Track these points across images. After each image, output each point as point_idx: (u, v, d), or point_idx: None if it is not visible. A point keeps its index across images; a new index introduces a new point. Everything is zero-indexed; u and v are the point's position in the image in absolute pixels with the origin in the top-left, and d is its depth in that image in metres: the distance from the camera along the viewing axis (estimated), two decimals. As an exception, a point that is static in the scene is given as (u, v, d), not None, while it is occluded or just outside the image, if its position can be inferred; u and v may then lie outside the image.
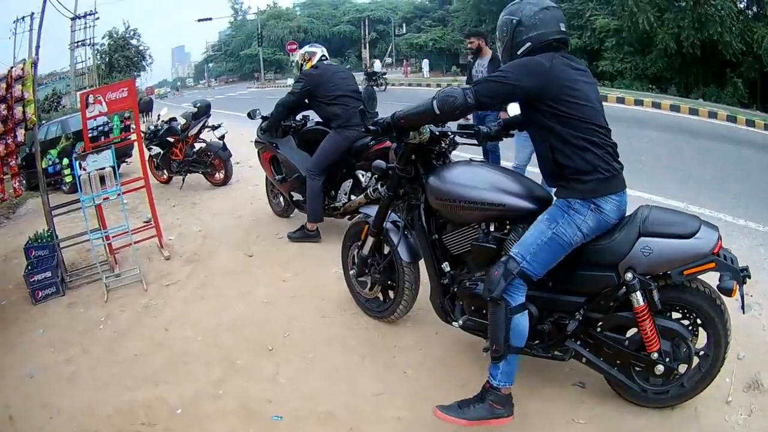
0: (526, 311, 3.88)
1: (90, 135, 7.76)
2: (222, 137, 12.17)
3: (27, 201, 13.58)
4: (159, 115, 13.44)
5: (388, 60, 76.69)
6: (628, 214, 3.90)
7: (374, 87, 5.24)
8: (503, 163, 8.89)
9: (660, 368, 3.83)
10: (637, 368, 3.97)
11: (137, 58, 62.00)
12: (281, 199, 9.52)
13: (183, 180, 12.62)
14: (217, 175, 12.54)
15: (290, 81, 56.97)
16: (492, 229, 4.25)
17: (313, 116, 8.54)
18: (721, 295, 3.69)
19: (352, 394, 4.83)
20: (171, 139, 12.39)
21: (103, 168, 7.41)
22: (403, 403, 4.63)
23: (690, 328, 3.93)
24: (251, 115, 9.21)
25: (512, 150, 8.59)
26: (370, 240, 5.47)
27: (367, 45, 79.81)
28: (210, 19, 75.33)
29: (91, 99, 7.70)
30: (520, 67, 3.75)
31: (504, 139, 5.06)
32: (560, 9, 3.98)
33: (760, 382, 4.37)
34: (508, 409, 3.88)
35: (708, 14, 30.23)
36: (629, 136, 14.67)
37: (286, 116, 8.37)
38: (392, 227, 5.29)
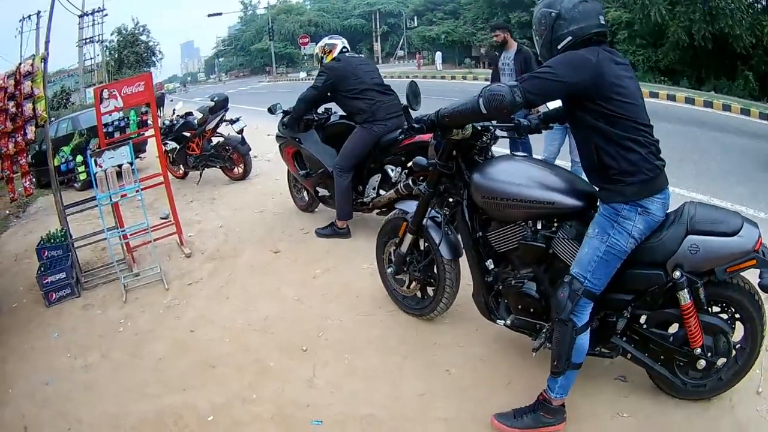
0: (589, 328, 3.85)
1: (105, 131, 7.50)
2: (241, 131, 11.83)
3: (37, 199, 13.33)
4: (174, 110, 13.17)
5: (400, 53, 76.82)
6: (671, 209, 3.84)
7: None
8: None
9: (702, 363, 3.85)
10: (680, 363, 3.96)
11: (147, 54, 61.91)
12: (305, 193, 9.25)
13: (200, 175, 12.27)
14: (235, 169, 12.24)
15: (302, 75, 56.98)
16: (539, 226, 4.14)
17: (336, 109, 8.30)
18: (759, 290, 3.70)
19: (394, 395, 4.63)
20: (187, 134, 12.11)
21: (121, 165, 7.09)
22: (448, 403, 4.45)
23: (728, 322, 3.92)
24: (272, 110, 8.90)
25: (540, 141, 8.40)
26: (409, 237, 5.27)
27: (379, 38, 79.89)
28: (220, 14, 76.06)
29: (105, 94, 7.38)
30: (566, 62, 3.57)
31: (543, 131, 4.79)
32: (599, 0, 3.83)
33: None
34: (558, 418, 3.95)
35: (718, 7, 30.09)
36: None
37: (308, 111, 8.05)
38: (432, 224, 5.10)
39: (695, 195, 8.80)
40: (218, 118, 11.86)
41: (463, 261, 4.86)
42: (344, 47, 7.91)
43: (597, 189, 3.85)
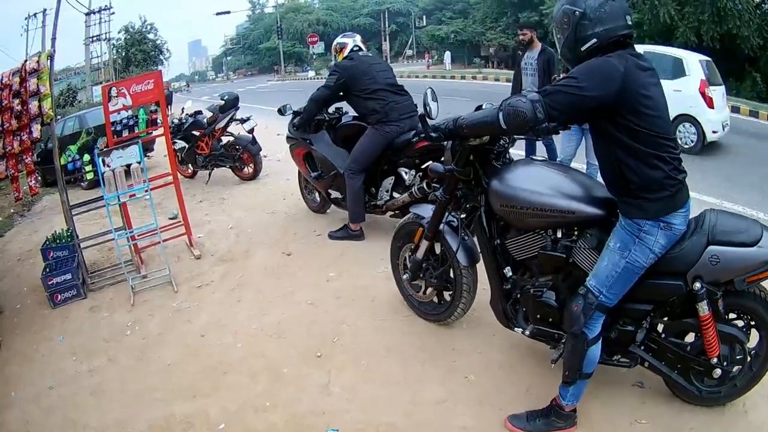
0: (601, 339, 3.82)
1: (113, 129, 7.38)
2: (251, 130, 11.76)
3: (43, 198, 13.26)
4: (183, 108, 13.09)
5: (409, 52, 76.93)
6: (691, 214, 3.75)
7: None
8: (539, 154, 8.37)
9: (718, 372, 3.82)
10: (696, 371, 3.94)
11: (154, 52, 62.04)
12: (317, 194, 9.14)
13: (209, 175, 12.17)
14: (245, 169, 12.14)
15: (311, 73, 57.00)
16: (559, 235, 4.06)
17: (347, 108, 8.19)
18: None
19: (413, 402, 4.52)
20: (196, 133, 12.02)
21: (129, 164, 6.96)
22: (468, 410, 4.36)
23: (744, 329, 3.89)
24: (282, 111, 8.66)
25: (556, 142, 8.35)
26: (425, 244, 5.17)
27: (387, 37, 79.90)
28: (228, 12, 75.81)
29: (113, 92, 7.26)
30: (593, 73, 3.36)
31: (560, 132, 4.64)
32: None
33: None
34: (569, 422, 3.96)
35: (726, 8, 29.97)
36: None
37: (320, 111, 7.97)
38: (449, 230, 5.01)
39: (707, 198, 8.76)
40: (228, 117, 11.77)
41: (480, 266, 4.75)
42: (356, 46, 7.79)
43: (617, 201, 3.71)
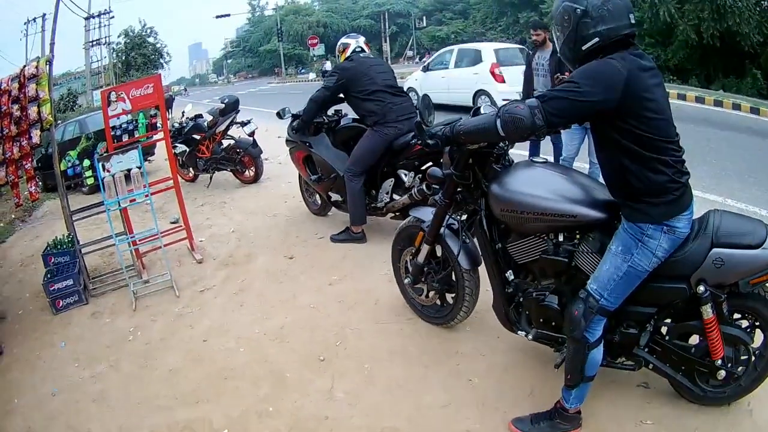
0: (602, 342, 3.78)
1: (113, 134, 7.34)
2: (252, 133, 11.74)
3: (44, 203, 13.21)
4: (183, 112, 13.10)
5: (409, 53, 76.89)
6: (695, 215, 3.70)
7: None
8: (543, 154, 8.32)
9: (722, 373, 3.80)
10: (701, 373, 3.93)
11: (155, 56, 62.17)
12: (317, 197, 9.14)
13: (210, 178, 12.18)
14: (246, 172, 12.13)
15: (312, 75, 57.01)
16: (561, 239, 4.03)
17: (347, 110, 8.18)
18: None
19: (417, 406, 4.49)
20: (197, 137, 11.99)
21: (130, 169, 6.92)
22: (472, 413, 4.34)
23: (748, 330, 3.88)
24: (281, 115, 8.67)
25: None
26: (426, 248, 5.14)
27: (388, 39, 79.77)
28: (228, 15, 76.15)
29: (113, 96, 7.24)
30: (595, 77, 3.26)
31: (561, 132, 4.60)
32: None
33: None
34: (573, 424, 3.95)
35: (726, 5, 29.96)
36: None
37: (319, 112, 7.98)
38: (450, 233, 4.98)
39: (711, 196, 8.70)
40: (229, 120, 11.78)
41: (482, 268, 4.72)
42: (358, 47, 7.78)
43: (620, 205, 3.67)
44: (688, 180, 3.49)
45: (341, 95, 7.65)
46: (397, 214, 7.54)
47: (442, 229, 4.92)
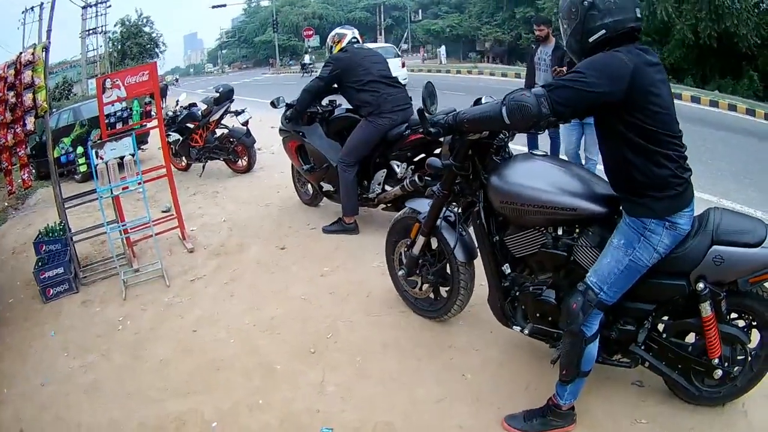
0: (598, 337, 3.78)
1: (107, 122, 7.28)
2: (246, 123, 11.74)
3: (37, 191, 13.17)
4: (178, 101, 13.06)
5: (404, 46, 76.89)
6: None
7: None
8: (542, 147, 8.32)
9: (719, 373, 3.80)
10: (697, 372, 3.94)
11: (150, 45, 61.88)
12: (309, 187, 9.15)
13: (203, 167, 12.15)
14: (239, 162, 12.10)
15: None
16: (560, 232, 3.99)
17: (341, 101, 8.16)
18: None
19: (410, 400, 4.47)
20: (191, 125, 11.96)
21: (123, 156, 6.89)
22: (466, 408, 4.31)
23: (745, 330, 3.89)
24: (275, 104, 8.68)
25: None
26: (422, 240, 5.09)
27: (383, 31, 79.66)
28: (224, 5, 75.75)
29: (108, 83, 7.17)
30: (601, 68, 3.26)
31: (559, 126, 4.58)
32: None
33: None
34: (567, 420, 3.95)
35: (724, 6, 30.05)
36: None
37: (312, 102, 7.94)
38: (446, 226, 4.95)
39: (705, 196, 8.66)
40: (223, 110, 11.74)
41: (478, 262, 4.69)
42: (354, 38, 7.75)
43: (621, 199, 3.68)
44: (690, 177, 3.50)
45: (335, 86, 7.59)
46: (389, 205, 7.56)
47: (438, 221, 4.88)
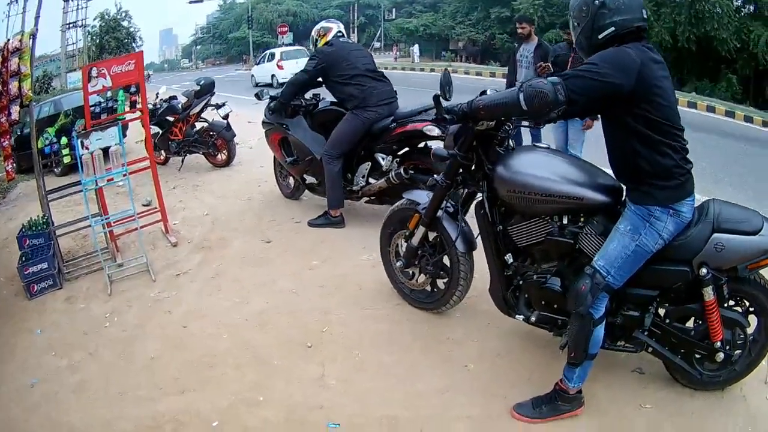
0: (605, 321, 3.90)
1: (92, 112, 7.14)
2: (226, 116, 11.64)
3: (18, 185, 12.83)
4: (157, 94, 12.85)
5: (377, 45, 76.88)
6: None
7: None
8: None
9: (721, 356, 3.95)
10: (699, 356, 4.07)
11: (127, 39, 61.38)
12: (291, 180, 9.12)
13: (182, 161, 11.98)
14: (219, 156, 11.96)
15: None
16: (565, 221, 4.12)
17: (325, 95, 8.15)
18: None
19: (413, 393, 4.47)
20: (170, 119, 11.84)
21: (108, 147, 6.76)
22: (471, 399, 4.34)
23: (744, 315, 4.05)
24: (259, 96, 8.68)
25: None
26: (422, 230, 5.10)
27: (356, 30, 79.64)
28: (201, 1, 75.44)
29: (94, 72, 7.03)
30: (612, 61, 3.46)
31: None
32: None
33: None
34: (575, 404, 4.04)
35: (704, 10, 30.51)
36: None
37: (297, 95, 7.89)
38: (447, 216, 4.97)
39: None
40: (203, 103, 11.63)
41: (476, 253, 4.81)
42: (339, 32, 7.75)
43: (626, 188, 3.86)
44: (691, 169, 3.70)
45: (320, 79, 7.58)
46: (372, 198, 7.60)
47: (439, 213, 4.89)
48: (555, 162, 4.20)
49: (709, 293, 3.74)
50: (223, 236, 7.88)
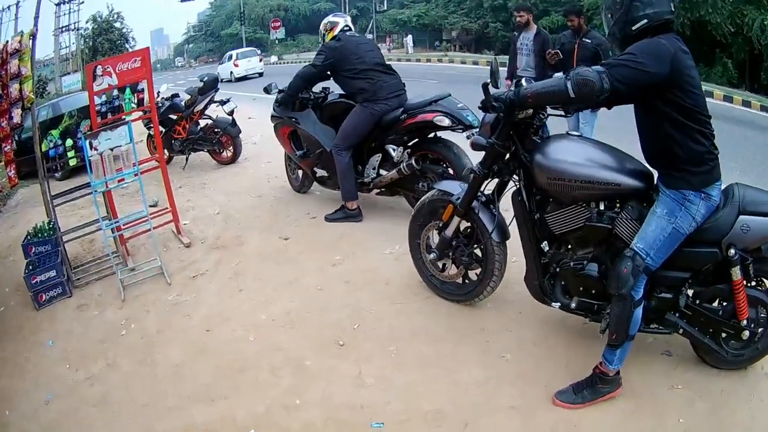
0: (643, 302, 3.99)
1: (97, 111, 6.90)
2: (231, 112, 11.46)
3: (18, 191, 12.48)
4: (159, 92, 12.54)
5: (369, 36, 76.91)
6: None
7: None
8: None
9: (746, 334, 4.06)
10: (725, 335, 4.18)
11: (120, 41, 61.35)
12: (300, 173, 9.11)
13: (186, 159, 11.85)
14: (224, 153, 11.79)
15: (273, 58, 57.21)
16: (602, 207, 4.23)
17: (334, 88, 8.10)
18: None
19: (454, 386, 4.42)
20: (173, 117, 11.64)
21: (119, 146, 6.50)
22: (512, 389, 4.34)
23: (766, 293, 4.16)
24: (268, 90, 8.63)
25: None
26: (457, 221, 5.07)
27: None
28: (192, -1, 75.73)
29: (99, 70, 6.78)
30: (648, 51, 3.66)
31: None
32: None
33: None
34: (614, 385, 4.14)
35: None
36: (631, 115, 15.19)
37: (305, 89, 7.87)
38: (482, 206, 4.97)
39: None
40: (207, 99, 11.45)
41: (509, 242, 4.88)
42: (346, 25, 7.71)
43: (658, 173, 4.04)
44: (718, 154, 3.88)
45: (328, 73, 7.57)
46: (383, 189, 7.58)
47: (474, 203, 4.87)
48: (591, 149, 4.28)
49: (737, 273, 3.85)
50: (238, 234, 7.70)
